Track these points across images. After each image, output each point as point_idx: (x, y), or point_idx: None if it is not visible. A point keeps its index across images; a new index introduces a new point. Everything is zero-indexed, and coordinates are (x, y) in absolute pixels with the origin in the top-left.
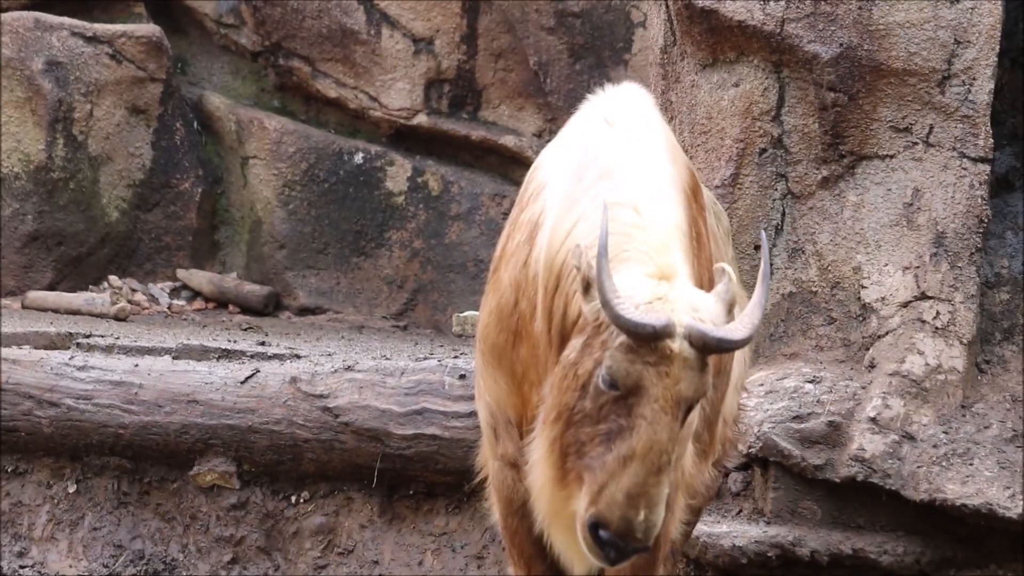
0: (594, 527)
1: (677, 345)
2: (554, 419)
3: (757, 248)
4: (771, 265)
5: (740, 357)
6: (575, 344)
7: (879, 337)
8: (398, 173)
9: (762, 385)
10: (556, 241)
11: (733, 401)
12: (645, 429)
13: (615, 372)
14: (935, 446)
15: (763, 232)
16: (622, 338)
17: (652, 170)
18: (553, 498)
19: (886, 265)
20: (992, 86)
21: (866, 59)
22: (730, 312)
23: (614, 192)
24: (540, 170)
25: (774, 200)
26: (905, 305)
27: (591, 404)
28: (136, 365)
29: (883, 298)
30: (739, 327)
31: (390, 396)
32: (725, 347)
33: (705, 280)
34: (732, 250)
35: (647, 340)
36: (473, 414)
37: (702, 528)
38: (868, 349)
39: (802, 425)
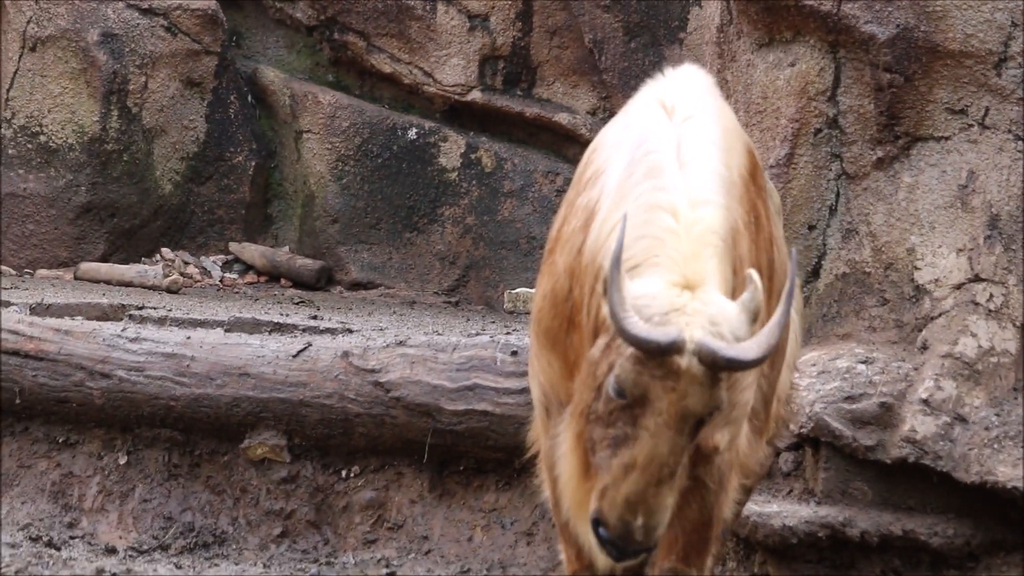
0: (596, 524)
1: (685, 362)
2: (579, 414)
3: (811, 228)
4: (790, 305)
5: (793, 336)
6: (599, 343)
7: (932, 319)
8: (451, 149)
9: (814, 365)
10: (601, 237)
11: (786, 380)
12: (647, 441)
13: (623, 381)
14: (987, 428)
15: (793, 250)
16: (631, 349)
17: (699, 171)
18: (577, 490)
19: (940, 247)
20: None
21: (922, 40)
22: (755, 322)
23: (655, 194)
24: (598, 152)
25: (828, 180)
26: (958, 287)
27: (603, 407)
28: (188, 337)
29: (936, 280)
30: (752, 347)
31: (442, 372)
32: (735, 367)
33: (763, 262)
34: (783, 229)
35: (653, 355)
36: (524, 391)
37: (752, 507)
38: (921, 331)
39: (854, 406)
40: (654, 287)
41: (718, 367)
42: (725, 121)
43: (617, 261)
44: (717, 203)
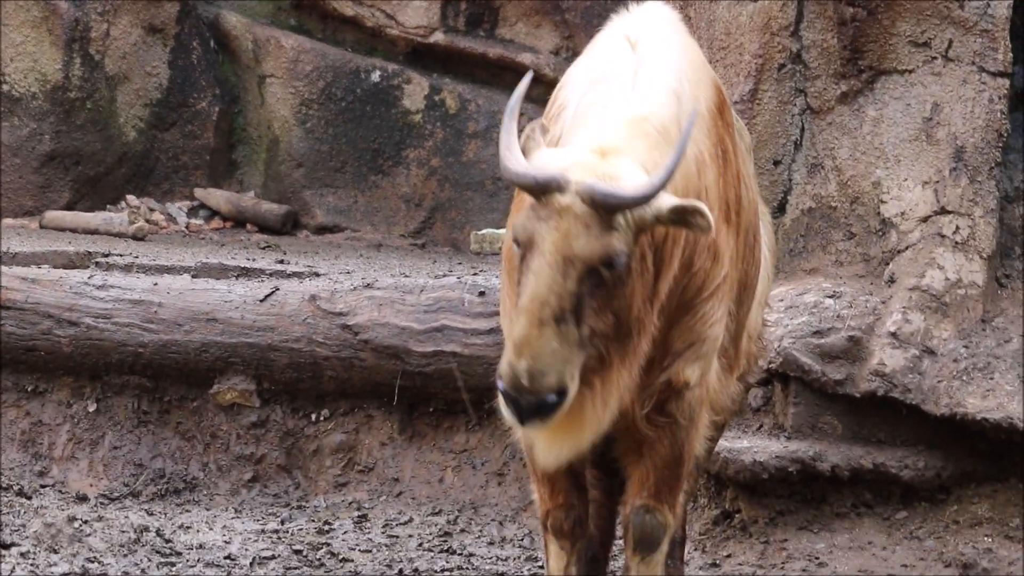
0: (498, 381)
1: (567, 200)
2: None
3: (776, 163)
4: (683, 148)
5: (764, 273)
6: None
7: (899, 252)
8: (415, 91)
9: (782, 300)
10: None
11: (757, 316)
12: (531, 281)
13: (516, 230)
14: (955, 360)
15: (692, 115)
16: (529, 199)
17: (648, 85)
18: None
19: (905, 180)
20: (1011, 0)
21: None
22: (681, 209)
23: (604, 93)
24: (563, 90)
25: (793, 115)
26: (925, 220)
27: (516, 271)
28: (155, 284)
29: (902, 213)
30: (630, 185)
31: (409, 313)
32: (612, 202)
33: (730, 196)
34: (753, 166)
35: (534, 192)
36: (493, 331)
37: (722, 444)
38: (888, 264)
39: (822, 340)
40: (568, 151)
41: (596, 203)
42: (691, 54)
43: (511, 111)
44: (658, 102)
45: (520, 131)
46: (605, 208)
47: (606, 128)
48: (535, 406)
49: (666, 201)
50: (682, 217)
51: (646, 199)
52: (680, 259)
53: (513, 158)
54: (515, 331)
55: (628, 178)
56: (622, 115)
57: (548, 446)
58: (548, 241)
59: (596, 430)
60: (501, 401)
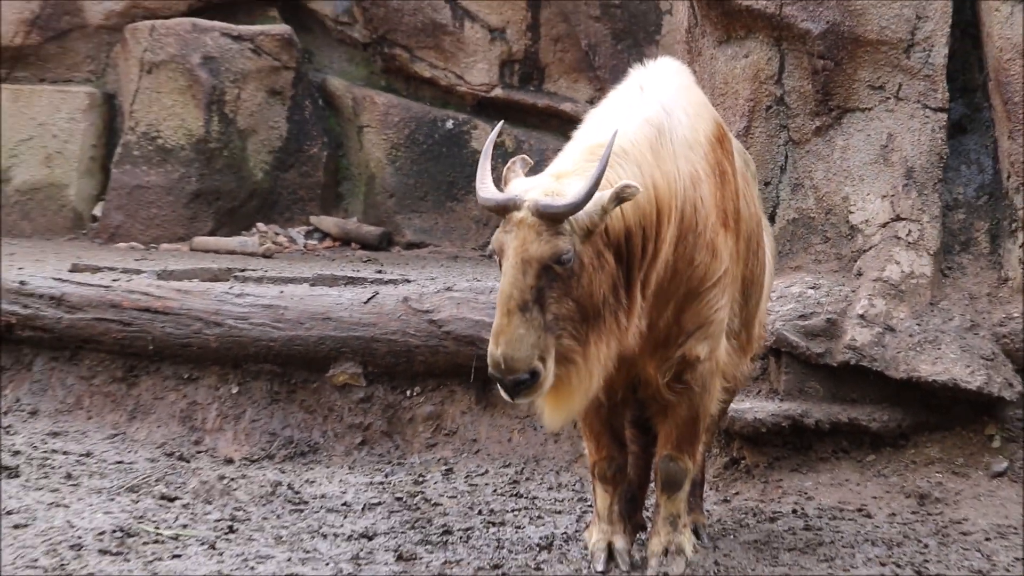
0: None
1: (522, 214)
2: None
3: (766, 184)
4: (606, 161)
5: (768, 273)
6: None
7: (864, 251)
8: (480, 135)
9: (774, 292)
10: None
11: (764, 308)
12: (502, 282)
13: (493, 243)
14: (911, 335)
15: (614, 134)
16: (502, 220)
17: (631, 112)
18: None
19: (868, 194)
20: (946, 51)
21: (847, 33)
22: (613, 196)
23: (594, 131)
24: (581, 128)
25: (778, 146)
26: (884, 225)
27: None
28: (281, 291)
29: (866, 220)
30: (560, 199)
31: (482, 309)
32: (549, 211)
33: (728, 208)
34: (757, 189)
35: (497, 212)
36: None
37: (731, 406)
38: (856, 261)
39: (806, 322)
40: (535, 178)
41: (541, 214)
42: (691, 95)
43: (485, 154)
44: (624, 130)
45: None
46: (549, 218)
47: (567, 156)
48: (514, 384)
49: (604, 196)
50: (621, 197)
51: (576, 206)
52: (670, 253)
53: (483, 188)
54: (494, 326)
55: (570, 193)
56: (583, 144)
57: (550, 413)
58: (511, 248)
59: (585, 396)
60: (496, 383)
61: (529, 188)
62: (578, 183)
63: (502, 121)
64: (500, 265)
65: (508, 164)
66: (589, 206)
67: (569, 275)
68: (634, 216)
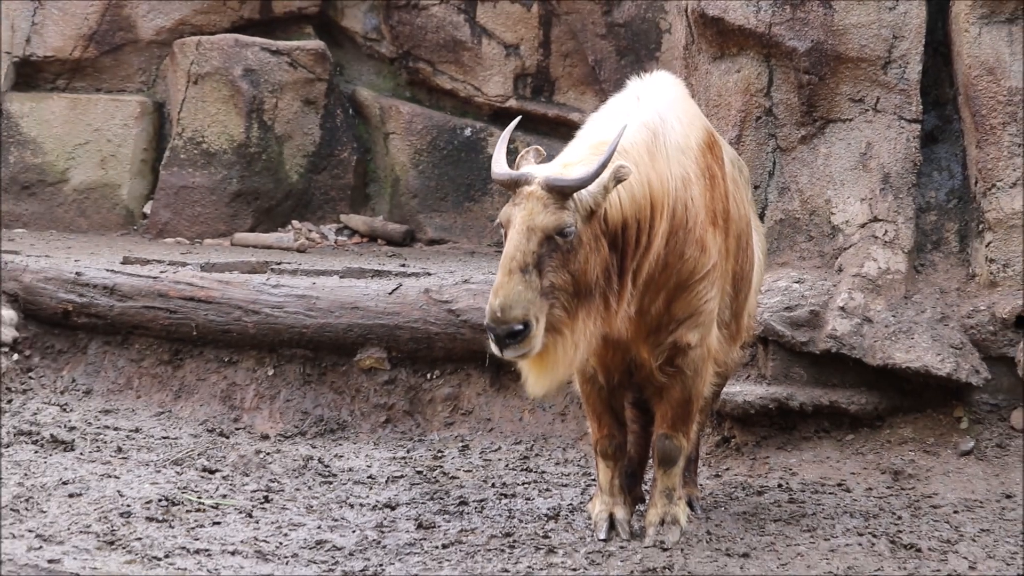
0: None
1: (531, 188)
2: None
3: (756, 188)
4: (615, 146)
5: (758, 268)
6: None
7: (844, 249)
8: (496, 142)
9: (762, 286)
10: None
11: (753, 301)
12: (507, 246)
13: (501, 216)
14: (886, 326)
15: (620, 128)
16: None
17: (630, 119)
18: None
19: (848, 197)
20: (920, 68)
21: (831, 51)
22: (612, 175)
23: (596, 132)
24: (582, 130)
25: (767, 153)
26: (863, 226)
27: None
28: (314, 283)
29: (847, 221)
30: (568, 174)
31: None
32: (558, 185)
33: (718, 208)
34: (750, 193)
35: (509, 187)
36: None
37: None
38: (837, 258)
39: (791, 313)
40: (543, 165)
41: (551, 188)
42: (683, 104)
43: (503, 139)
44: (627, 130)
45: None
46: (558, 191)
47: (573, 150)
48: (507, 333)
49: (604, 176)
50: (619, 176)
51: (585, 181)
52: (661, 247)
53: (498, 165)
54: (495, 282)
55: (580, 171)
56: (587, 141)
57: (533, 380)
58: (518, 217)
59: (569, 368)
60: (488, 338)
61: (538, 170)
62: (584, 168)
63: (519, 116)
64: (505, 236)
65: (522, 153)
66: (593, 187)
67: (569, 248)
68: (631, 208)
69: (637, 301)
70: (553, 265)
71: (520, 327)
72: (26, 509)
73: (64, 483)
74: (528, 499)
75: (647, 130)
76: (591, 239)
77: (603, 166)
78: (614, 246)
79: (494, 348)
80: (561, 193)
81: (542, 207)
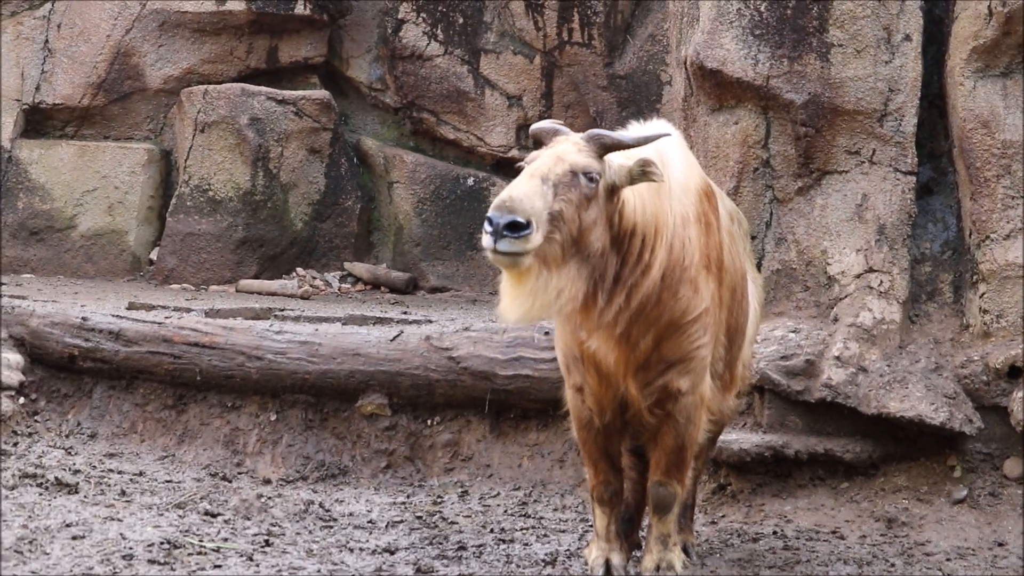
0: (488, 215)
1: (567, 137)
2: None
3: (753, 238)
4: (655, 135)
5: (753, 319)
6: None
7: (840, 299)
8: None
9: (759, 335)
10: None
11: (748, 351)
12: (536, 162)
13: (527, 159)
14: (881, 375)
15: (661, 131)
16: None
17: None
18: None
19: (844, 248)
20: (916, 121)
21: (827, 103)
22: (639, 163)
23: None
24: None
25: (764, 204)
26: (858, 276)
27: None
28: (316, 329)
29: (843, 271)
30: (613, 133)
31: (496, 348)
32: (597, 138)
33: (712, 255)
34: (748, 245)
35: (543, 137)
36: (555, 359)
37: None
38: (833, 308)
39: (787, 362)
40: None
41: (592, 140)
42: (683, 151)
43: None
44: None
45: None
46: (596, 142)
47: None
48: (508, 224)
49: (631, 162)
50: (645, 170)
51: (622, 143)
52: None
53: (539, 123)
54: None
55: (617, 134)
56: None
57: (509, 300)
58: (551, 150)
59: (545, 307)
60: (485, 230)
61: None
62: (625, 133)
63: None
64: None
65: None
66: (618, 167)
67: (586, 195)
68: (641, 219)
69: (625, 324)
70: (568, 197)
71: (522, 221)
72: (30, 551)
73: (68, 525)
74: (526, 544)
75: (655, 159)
76: (603, 209)
77: (644, 140)
78: (618, 246)
79: (487, 241)
80: (600, 144)
81: (576, 149)
